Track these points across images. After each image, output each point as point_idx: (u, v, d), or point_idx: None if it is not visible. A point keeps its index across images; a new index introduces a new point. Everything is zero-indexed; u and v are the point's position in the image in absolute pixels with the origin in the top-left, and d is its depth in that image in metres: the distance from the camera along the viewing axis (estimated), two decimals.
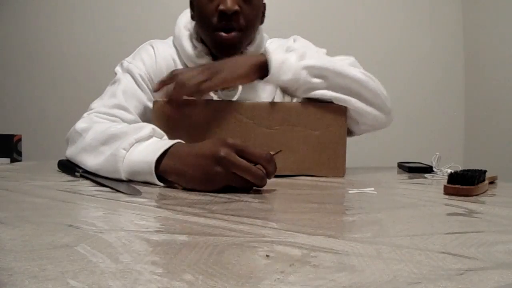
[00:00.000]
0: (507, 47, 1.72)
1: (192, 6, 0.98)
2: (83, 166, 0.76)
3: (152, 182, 0.67)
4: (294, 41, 1.02)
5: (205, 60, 0.95)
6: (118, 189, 0.62)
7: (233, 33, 0.91)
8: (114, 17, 1.88)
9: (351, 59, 0.92)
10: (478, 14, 1.92)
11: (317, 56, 0.89)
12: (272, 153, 0.64)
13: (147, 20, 1.87)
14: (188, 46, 0.96)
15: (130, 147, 0.69)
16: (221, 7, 0.89)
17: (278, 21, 0.98)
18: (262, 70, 0.84)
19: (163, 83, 0.83)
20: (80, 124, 0.84)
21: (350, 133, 0.94)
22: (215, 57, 0.94)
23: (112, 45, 1.85)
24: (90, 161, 0.75)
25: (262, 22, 1.00)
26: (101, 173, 0.72)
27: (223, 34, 0.91)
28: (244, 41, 0.94)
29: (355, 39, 1.90)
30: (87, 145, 0.77)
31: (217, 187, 0.62)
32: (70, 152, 0.82)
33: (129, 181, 0.69)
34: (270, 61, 0.83)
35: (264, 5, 0.99)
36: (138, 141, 0.70)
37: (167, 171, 0.66)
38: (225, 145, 0.61)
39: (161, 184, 0.66)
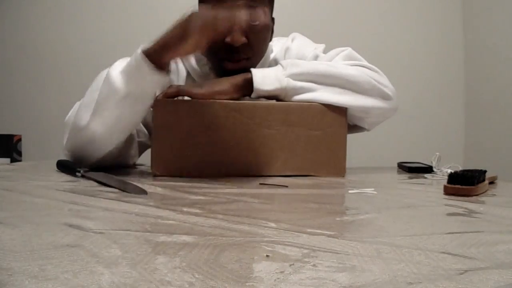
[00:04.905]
0: (507, 47, 1.72)
1: None
2: (82, 128, 0.77)
3: (144, 74, 0.71)
4: (293, 40, 1.01)
5: (208, 74, 0.94)
6: (124, 189, 0.62)
7: (241, 63, 0.88)
8: (114, 17, 1.88)
9: (347, 50, 0.92)
10: (478, 14, 1.92)
11: (306, 64, 0.87)
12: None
13: (147, 20, 1.87)
14: (191, 58, 0.95)
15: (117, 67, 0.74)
16: (228, 39, 0.85)
17: (278, 20, 0.98)
18: (247, 87, 0.84)
19: (166, 95, 0.83)
20: (70, 114, 0.85)
21: (360, 129, 0.94)
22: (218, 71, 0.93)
23: (112, 45, 1.84)
24: (87, 113, 0.76)
25: (271, 39, 0.97)
26: (100, 108, 0.74)
27: (230, 64, 0.88)
28: (251, 67, 0.89)
29: (355, 39, 1.89)
30: (84, 103, 0.79)
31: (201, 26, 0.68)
32: (68, 137, 0.83)
33: (133, 182, 0.69)
34: (253, 76, 0.83)
35: (273, 21, 0.95)
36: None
37: (155, 49, 0.71)
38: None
39: (154, 70, 0.70)
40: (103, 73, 0.80)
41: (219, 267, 0.30)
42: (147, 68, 0.68)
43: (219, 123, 0.81)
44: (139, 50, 0.71)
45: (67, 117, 0.86)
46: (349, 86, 0.85)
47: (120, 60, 0.79)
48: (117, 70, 0.74)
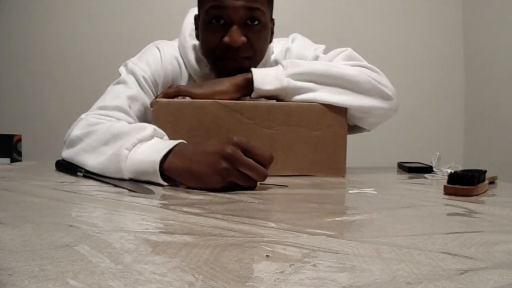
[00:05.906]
0: (507, 47, 1.72)
1: (197, 24, 0.94)
2: (83, 166, 0.76)
3: (155, 182, 0.67)
4: (293, 40, 1.01)
5: (209, 75, 0.94)
6: (131, 188, 0.62)
7: (242, 61, 0.87)
8: (114, 17, 1.88)
9: (347, 51, 0.92)
10: (478, 14, 1.92)
11: (306, 64, 0.87)
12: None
13: (147, 20, 1.87)
14: (192, 58, 0.94)
15: (133, 147, 0.69)
16: (226, 39, 0.85)
17: (278, 20, 0.98)
18: (247, 87, 0.84)
19: (166, 95, 0.83)
20: (78, 129, 0.81)
21: (360, 129, 0.94)
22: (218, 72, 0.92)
23: (112, 45, 1.84)
24: (90, 161, 0.75)
25: (271, 41, 0.96)
26: (102, 173, 0.72)
27: (231, 62, 0.87)
28: (252, 66, 0.88)
29: (355, 39, 1.90)
30: (87, 145, 0.77)
31: (222, 184, 0.63)
32: (68, 154, 0.81)
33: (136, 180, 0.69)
34: (253, 75, 0.83)
35: (273, 22, 0.95)
36: (141, 141, 0.70)
37: (171, 170, 0.66)
38: (231, 142, 0.63)
39: (165, 183, 0.66)
40: (116, 125, 0.77)
41: (219, 267, 0.30)
42: (159, 179, 0.66)
43: (219, 123, 0.81)
44: (157, 166, 0.65)
45: (71, 134, 0.82)
46: (349, 86, 0.85)
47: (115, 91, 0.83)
48: (128, 165, 0.69)
